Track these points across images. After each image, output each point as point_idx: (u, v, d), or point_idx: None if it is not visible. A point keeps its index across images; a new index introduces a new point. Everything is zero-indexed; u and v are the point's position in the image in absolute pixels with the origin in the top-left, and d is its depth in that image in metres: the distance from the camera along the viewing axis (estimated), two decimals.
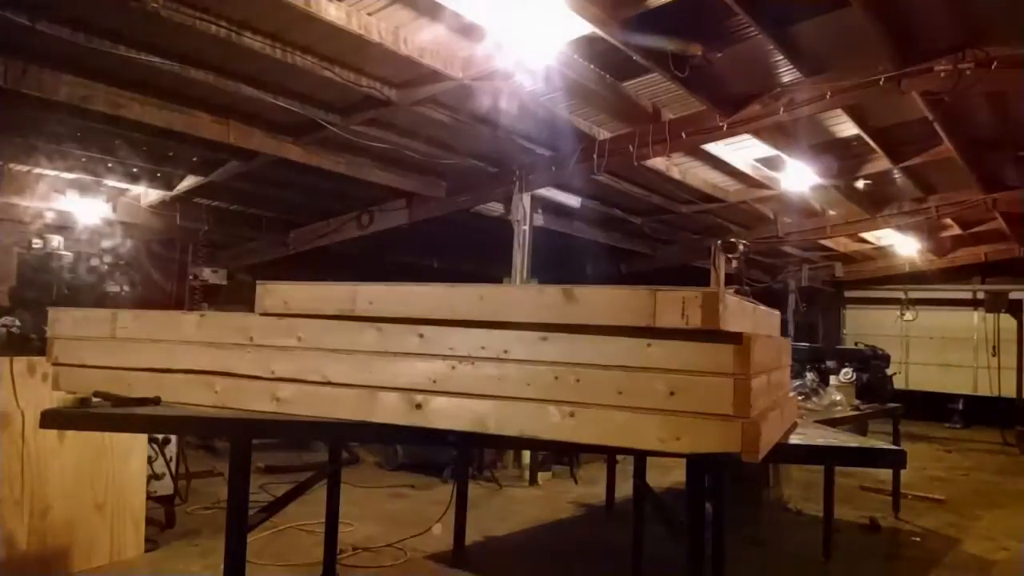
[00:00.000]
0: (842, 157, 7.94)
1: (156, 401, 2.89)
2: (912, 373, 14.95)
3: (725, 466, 3.61)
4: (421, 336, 2.53)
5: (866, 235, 12.05)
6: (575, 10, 4.38)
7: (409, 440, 4.46)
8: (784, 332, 13.07)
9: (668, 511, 3.44)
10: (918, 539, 5.91)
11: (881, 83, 5.59)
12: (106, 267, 6.64)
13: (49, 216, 8.02)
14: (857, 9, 4.63)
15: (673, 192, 9.28)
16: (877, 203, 9.93)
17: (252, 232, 10.33)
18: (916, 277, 14.28)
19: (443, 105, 6.24)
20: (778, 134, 7.12)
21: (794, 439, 2.85)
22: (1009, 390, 13.16)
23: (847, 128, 7.18)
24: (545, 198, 8.69)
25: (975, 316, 14.72)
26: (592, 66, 5.56)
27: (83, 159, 7.10)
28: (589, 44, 5.10)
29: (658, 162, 7.76)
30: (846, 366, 7.17)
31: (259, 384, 2.77)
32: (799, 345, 7.10)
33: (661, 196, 9.45)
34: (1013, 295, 13.15)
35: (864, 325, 15.91)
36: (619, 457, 6.48)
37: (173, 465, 5.28)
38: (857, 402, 6.31)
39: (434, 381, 2.49)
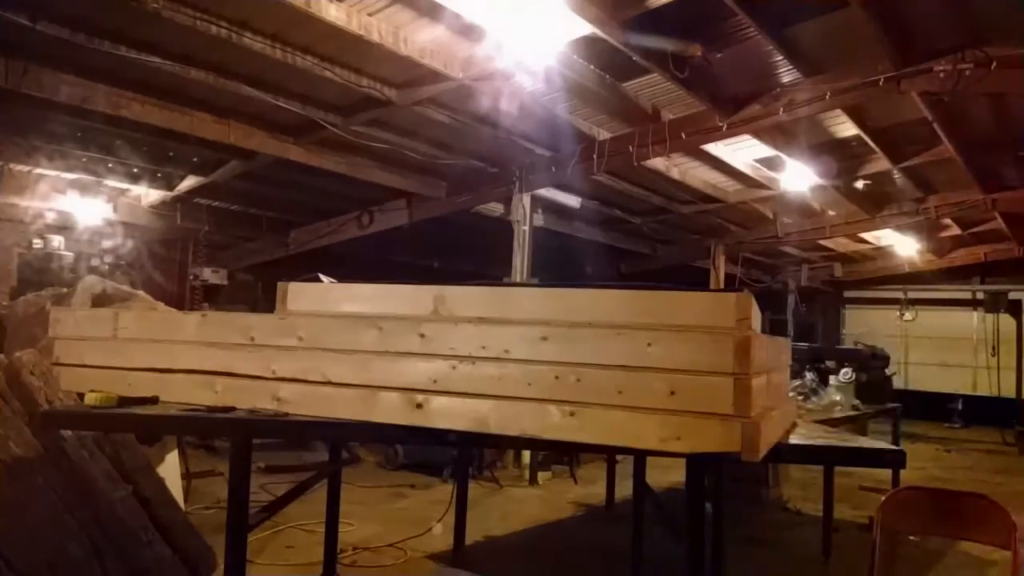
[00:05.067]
0: (841, 157, 7.94)
1: (154, 400, 2.90)
2: (911, 373, 14.95)
3: (725, 466, 3.62)
4: (422, 336, 2.54)
5: (865, 235, 12.05)
6: (575, 11, 4.38)
7: (409, 440, 4.47)
8: (784, 332, 13.04)
9: (668, 511, 3.45)
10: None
11: (880, 83, 5.60)
12: (107, 267, 6.66)
13: (50, 216, 8.02)
14: (856, 9, 4.63)
15: (673, 192, 9.28)
16: (876, 203, 9.93)
17: (252, 232, 10.34)
18: (915, 277, 14.28)
19: (443, 105, 6.24)
20: (778, 134, 7.12)
21: (794, 439, 2.86)
22: (1009, 390, 13.17)
23: (846, 128, 7.18)
24: (545, 198, 8.69)
25: (974, 316, 14.73)
26: (592, 66, 5.56)
27: (84, 159, 7.11)
28: (589, 44, 5.11)
29: (658, 162, 7.76)
30: (845, 366, 7.18)
31: (260, 384, 2.78)
32: (798, 345, 7.11)
33: (661, 196, 9.46)
34: (1012, 295, 13.17)
35: (863, 325, 15.91)
36: (619, 457, 6.48)
37: None
38: (856, 402, 6.32)
39: (435, 381, 2.50)
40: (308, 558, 4.63)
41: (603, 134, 7.22)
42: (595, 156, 7.19)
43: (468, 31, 5.04)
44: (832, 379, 6.89)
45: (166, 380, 2.95)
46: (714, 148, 7.43)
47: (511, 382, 2.39)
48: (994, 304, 13.44)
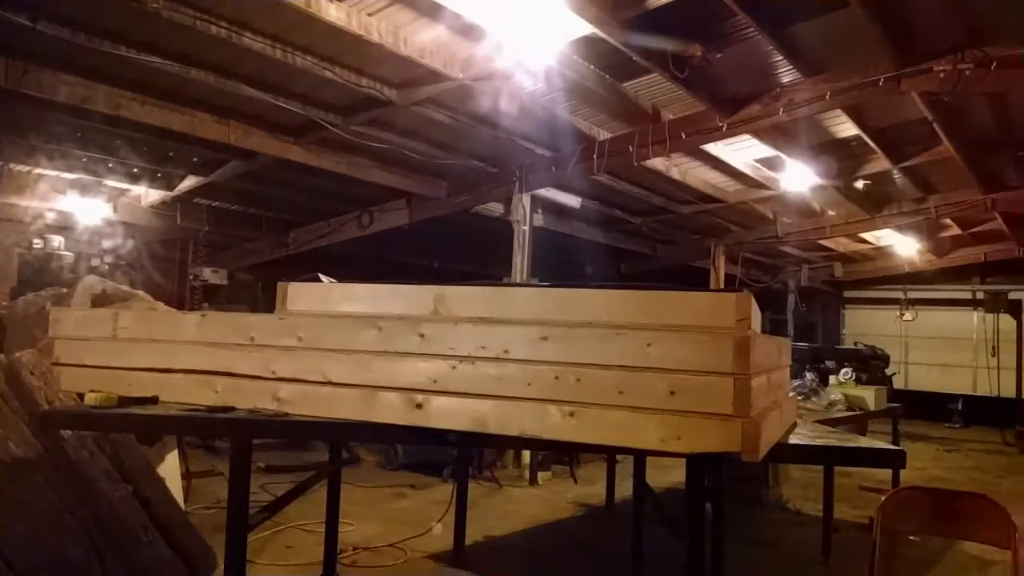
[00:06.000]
0: (841, 157, 7.95)
1: (154, 400, 2.90)
2: (911, 373, 14.96)
3: (725, 466, 3.62)
4: (422, 336, 2.54)
5: (866, 235, 12.06)
6: (575, 10, 4.38)
7: (409, 440, 4.46)
8: (784, 332, 13.06)
9: (668, 511, 3.45)
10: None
11: (880, 83, 5.60)
12: (107, 267, 6.66)
13: (50, 216, 8.03)
14: (856, 9, 4.63)
15: (673, 192, 9.28)
16: (877, 203, 9.93)
17: (252, 232, 10.35)
18: (915, 277, 14.29)
19: (443, 105, 6.24)
20: (778, 134, 7.13)
21: (794, 439, 2.86)
22: (1009, 390, 13.18)
23: (847, 128, 7.19)
24: (545, 198, 8.69)
25: (974, 316, 14.74)
26: (592, 66, 5.56)
27: (83, 159, 7.11)
28: (589, 44, 5.11)
29: (658, 162, 7.76)
30: (845, 366, 7.19)
31: (260, 384, 2.78)
32: (799, 345, 7.12)
33: (661, 196, 9.46)
34: (1012, 295, 13.18)
35: (863, 325, 15.93)
36: (619, 457, 6.48)
37: None
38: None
39: (434, 381, 2.50)
40: (308, 558, 4.63)
41: (603, 134, 7.22)
42: (595, 156, 7.19)
43: (468, 31, 5.04)
44: (832, 379, 6.91)
45: (166, 380, 2.95)
46: (714, 148, 7.43)
47: (511, 382, 2.39)
48: (994, 304, 13.45)
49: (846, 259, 14.40)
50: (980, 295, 14.32)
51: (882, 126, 7.16)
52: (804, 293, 14.60)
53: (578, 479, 7.59)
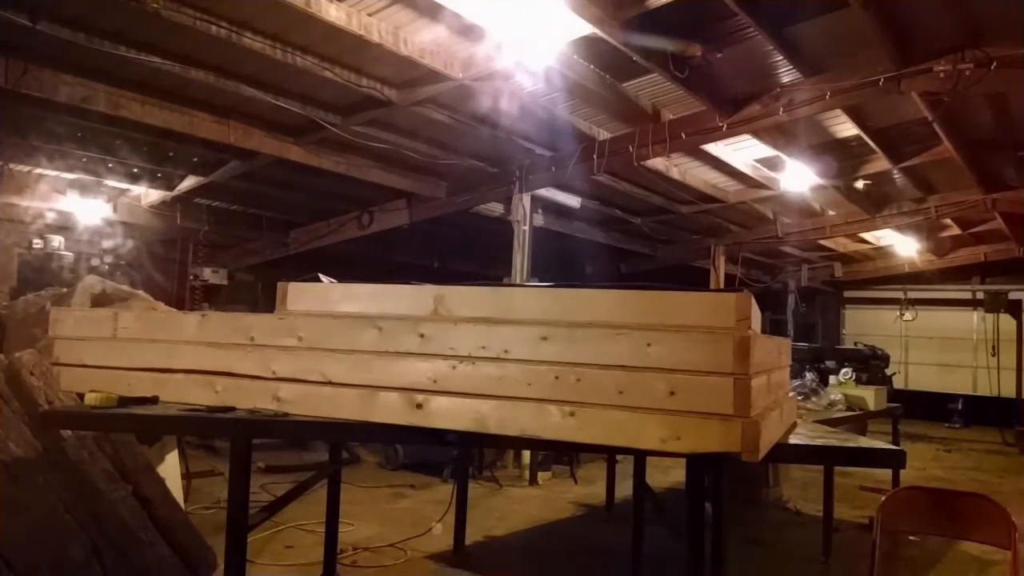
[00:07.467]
0: (841, 157, 7.95)
1: (154, 400, 2.90)
2: (912, 373, 14.96)
3: (725, 466, 3.63)
4: (422, 336, 2.54)
5: (866, 235, 12.06)
6: (575, 10, 4.38)
7: (409, 440, 4.48)
8: (784, 332, 13.05)
9: (668, 511, 3.46)
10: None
11: (880, 83, 5.60)
12: (107, 267, 6.66)
13: (50, 216, 8.03)
14: (856, 9, 4.63)
15: (673, 192, 9.28)
16: (876, 203, 9.93)
17: (252, 232, 10.34)
18: (915, 277, 14.29)
19: (443, 105, 6.24)
20: (778, 134, 7.12)
21: (794, 439, 2.87)
22: (1009, 390, 13.18)
23: (846, 128, 7.19)
24: (545, 198, 8.70)
25: (975, 316, 14.74)
26: (592, 66, 5.56)
27: (83, 159, 7.11)
28: (589, 44, 5.11)
29: (658, 162, 7.76)
30: (845, 366, 7.19)
31: (260, 384, 2.78)
32: (798, 345, 7.11)
33: (661, 196, 9.46)
34: (1012, 295, 13.18)
35: (863, 325, 15.93)
36: (619, 457, 6.48)
37: None
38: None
39: (435, 381, 2.50)
40: (308, 558, 4.63)
41: (603, 134, 7.22)
42: (595, 156, 7.20)
43: (468, 31, 5.04)
44: (832, 379, 6.91)
45: (166, 380, 2.95)
46: (714, 148, 7.43)
47: (511, 382, 2.39)
48: (994, 304, 13.45)
49: (846, 259, 14.40)
50: (980, 295, 14.32)
51: (882, 126, 7.16)
52: (804, 293, 14.60)
53: (578, 479, 7.59)
